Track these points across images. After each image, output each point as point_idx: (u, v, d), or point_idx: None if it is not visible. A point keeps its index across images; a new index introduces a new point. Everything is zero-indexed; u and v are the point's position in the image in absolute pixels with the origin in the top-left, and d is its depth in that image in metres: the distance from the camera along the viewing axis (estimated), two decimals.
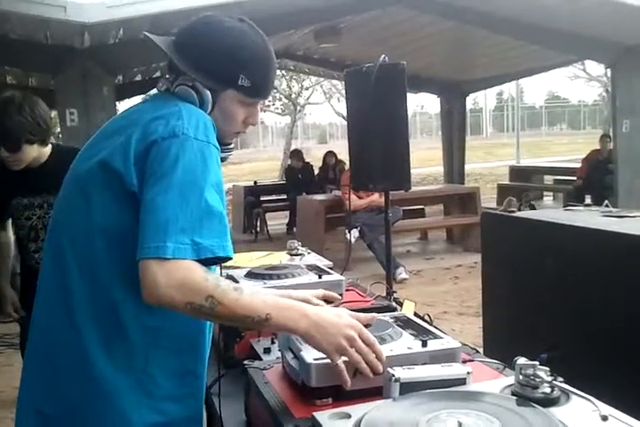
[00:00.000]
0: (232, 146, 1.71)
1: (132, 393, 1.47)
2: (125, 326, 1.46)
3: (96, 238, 1.45)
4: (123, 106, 13.07)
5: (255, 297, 1.40)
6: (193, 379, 1.59)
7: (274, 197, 12.22)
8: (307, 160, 11.89)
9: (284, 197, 11.68)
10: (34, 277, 2.96)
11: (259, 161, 30.35)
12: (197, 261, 1.35)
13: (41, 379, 1.52)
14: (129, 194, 1.41)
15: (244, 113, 1.64)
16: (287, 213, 11.46)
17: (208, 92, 1.55)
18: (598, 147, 11.54)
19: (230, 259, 1.43)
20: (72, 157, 1.74)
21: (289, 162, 12.22)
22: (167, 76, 1.61)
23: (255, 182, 12.34)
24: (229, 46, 1.55)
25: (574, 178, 11.85)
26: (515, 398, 1.22)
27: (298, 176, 11.40)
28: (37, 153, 2.91)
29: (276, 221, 11.99)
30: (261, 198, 11.87)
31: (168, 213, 1.34)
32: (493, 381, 1.36)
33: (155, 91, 1.67)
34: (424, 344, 1.46)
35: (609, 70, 10.36)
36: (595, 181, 10.83)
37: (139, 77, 10.70)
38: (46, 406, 1.49)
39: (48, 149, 2.98)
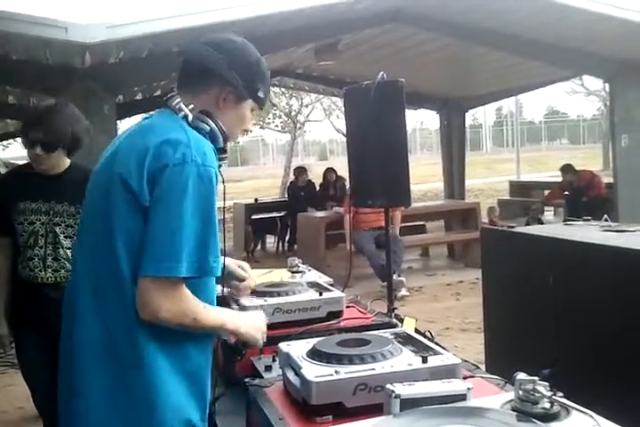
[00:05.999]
0: (226, 155, 1.82)
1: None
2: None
3: (117, 240, 1.60)
4: (124, 125, 13.12)
5: (214, 311, 1.69)
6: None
7: (275, 215, 12.16)
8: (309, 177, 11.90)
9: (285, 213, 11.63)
10: (28, 290, 2.96)
11: (259, 178, 30.36)
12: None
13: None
14: (143, 208, 1.58)
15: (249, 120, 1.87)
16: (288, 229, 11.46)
17: (219, 133, 1.73)
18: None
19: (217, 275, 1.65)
20: (86, 176, 1.80)
21: (292, 179, 12.20)
22: (187, 105, 1.72)
23: (256, 200, 12.31)
24: (256, 61, 1.79)
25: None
26: (515, 413, 1.22)
27: (300, 193, 11.40)
28: (62, 161, 3.01)
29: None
30: (262, 216, 11.82)
31: (181, 235, 1.54)
32: (494, 396, 1.36)
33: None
34: (424, 360, 1.47)
35: (607, 85, 10.38)
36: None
37: (139, 96, 10.76)
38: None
39: (67, 162, 3.06)
